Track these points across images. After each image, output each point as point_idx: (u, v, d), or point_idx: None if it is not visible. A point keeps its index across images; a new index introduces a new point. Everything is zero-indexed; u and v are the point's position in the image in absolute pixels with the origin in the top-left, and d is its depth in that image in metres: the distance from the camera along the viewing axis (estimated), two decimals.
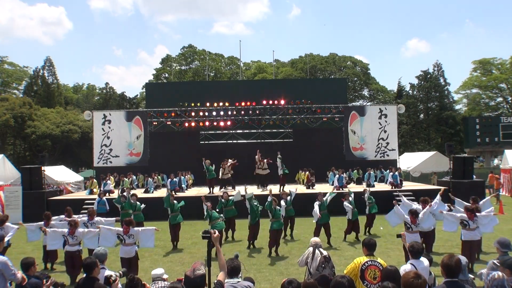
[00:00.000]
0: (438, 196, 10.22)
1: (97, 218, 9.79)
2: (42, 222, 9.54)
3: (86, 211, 10.36)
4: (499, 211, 15.22)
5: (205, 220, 11.18)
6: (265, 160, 18.25)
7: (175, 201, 11.81)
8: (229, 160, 19.21)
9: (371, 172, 20.33)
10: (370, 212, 12.69)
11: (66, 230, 8.56)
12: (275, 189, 16.43)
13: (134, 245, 8.15)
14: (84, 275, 4.75)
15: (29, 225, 9.68)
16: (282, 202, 11.14)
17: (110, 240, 8.46)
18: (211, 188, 17.69)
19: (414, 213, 8.60)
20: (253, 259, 9.99)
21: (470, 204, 9.19)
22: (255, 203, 11.09)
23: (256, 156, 18.30)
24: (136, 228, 8.36)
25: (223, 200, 12.30)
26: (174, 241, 11.41)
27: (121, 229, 8.15)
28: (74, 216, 10.20)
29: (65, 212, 10.53)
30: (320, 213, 10.87)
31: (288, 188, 15.37)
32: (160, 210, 14.56)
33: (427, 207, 9.26)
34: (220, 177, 18.53)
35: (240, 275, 4.42)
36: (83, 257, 8.68)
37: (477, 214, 8.70)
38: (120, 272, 5.25)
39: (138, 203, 12.51)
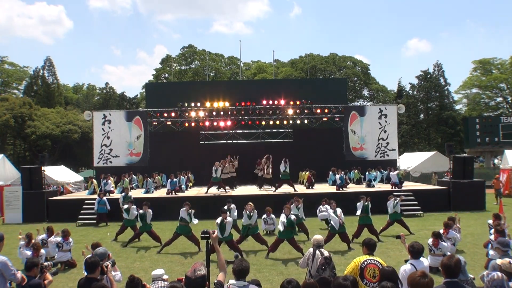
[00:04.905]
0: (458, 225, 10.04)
1: (71, 239, 9.74)
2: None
3: (61, 231, 9.88)
4: (499, 211, 15.19)
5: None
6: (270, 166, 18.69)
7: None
8: (229, 160, 19.08)
9: (372, 173, 20.27)
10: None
11: (29, 253, 8.56)
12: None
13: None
14: (85, 274, 4.77)
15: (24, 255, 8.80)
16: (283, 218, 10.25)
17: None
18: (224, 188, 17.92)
19: (438, 236, 8.29)
20: (253, 259, 9.99)
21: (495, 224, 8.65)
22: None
23: (265, 165, 18.71)
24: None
25: (247, 212, 10.92)
26: (198, 245, 11.01)
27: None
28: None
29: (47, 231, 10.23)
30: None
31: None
32: (161, 210, 14.51)
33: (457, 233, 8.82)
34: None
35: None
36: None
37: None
38: (110, 262, 5.44)
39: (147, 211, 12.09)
